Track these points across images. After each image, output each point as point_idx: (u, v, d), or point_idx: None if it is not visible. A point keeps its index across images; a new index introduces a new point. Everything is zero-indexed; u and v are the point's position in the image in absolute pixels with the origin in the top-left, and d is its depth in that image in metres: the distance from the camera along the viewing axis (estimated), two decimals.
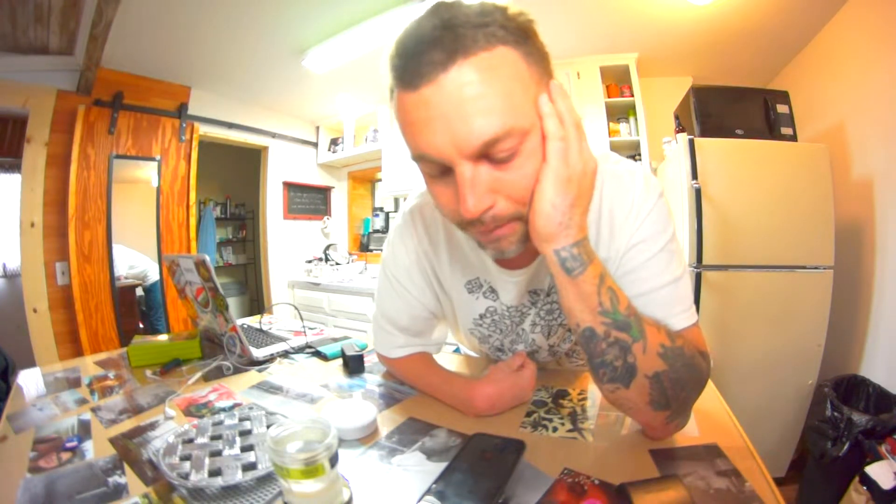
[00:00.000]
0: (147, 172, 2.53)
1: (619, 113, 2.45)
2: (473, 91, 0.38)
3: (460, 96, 0.38)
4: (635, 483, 0.42)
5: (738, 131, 1.78)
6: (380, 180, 3.31)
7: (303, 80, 2.56)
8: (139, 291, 2.67)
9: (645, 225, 0.52)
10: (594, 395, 0.67)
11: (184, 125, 2.60)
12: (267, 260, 3.25)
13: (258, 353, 0.95)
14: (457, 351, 1.00)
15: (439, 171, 0.44)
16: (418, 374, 0.73)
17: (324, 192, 3.66)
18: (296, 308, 1.47)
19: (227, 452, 0.53)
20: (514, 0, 0.42)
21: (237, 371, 0.88)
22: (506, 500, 0.43)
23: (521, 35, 0.41)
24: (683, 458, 0.49)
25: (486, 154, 0.41)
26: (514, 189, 0.44)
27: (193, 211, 2.69)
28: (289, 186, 3.35)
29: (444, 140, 0.40)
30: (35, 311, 2.11)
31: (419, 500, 0.41)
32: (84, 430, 0.63)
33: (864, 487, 1.22)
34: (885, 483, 1.17)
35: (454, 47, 0.38)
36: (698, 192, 1.63)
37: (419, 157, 0.44)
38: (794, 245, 1.66)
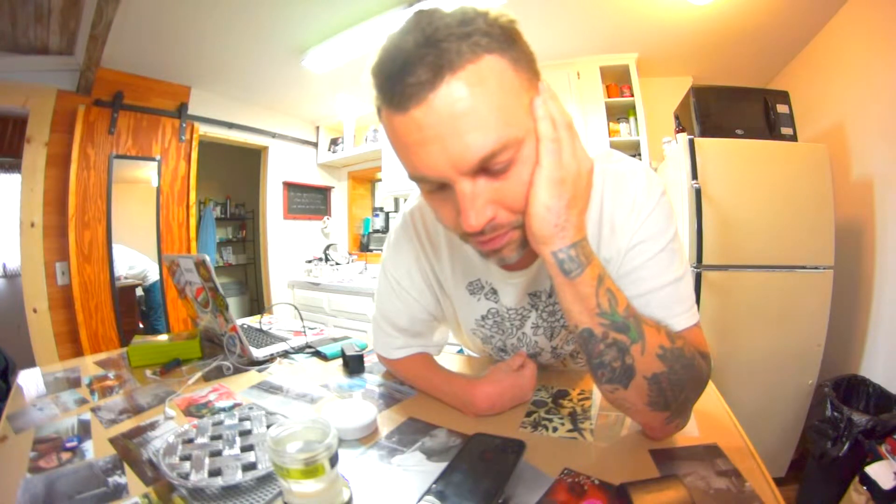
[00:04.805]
0: (147, 172, 2.53)
1: (619, 113, 2.45)
2: (464, 107, 0.37)
3: (452, 114, 0.37)
4: (635, 483, 0.42)
5: (738, 131, 1.78)
6: (380, 180, 3.31)
7: (303, 80, 2.56)
8: (139, 291, 2.67)
9: (646, 224, 0.52)
10: (594, 395, 0.67)
11: (184, 125, 2.60)
12: (267, 260, 3.25)
13: (258, 353, 0.95)
14: (460, 352, 1.00)
15: (437, 186, 0.44)
16: (418, 375, 0.73)
17: (324, 192, 3.66)
18: (296, 308, 1.47)
19: (227, 452, 0.53)
20: (513, 2, 0.41)
21: (237, 371, 0.88)
22: (506, 500, 0.43)
23: (506, 40, 0.39)
24: (683, 458, 0.49)
25: (483, 168, 0.41)
26: (514, 198, 0.43)
27: (193, 211, 2.69)
28: (289, 186, 3.35)
29: (440, 160, 0.40)
30: (35, 311, 2.11)
31: (419, 500, 0.41)
32: (84, 430, 0.63)
33: (864, 487, 1.22)
34: (885, 483, 1.17)
35: (440, 63, 0.36)
36: (698, 192, 1.63)
37: (417, 178, 0.44)
38: (794, 245, 1.66)
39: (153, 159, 2.51)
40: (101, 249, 2.30)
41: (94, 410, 0.70)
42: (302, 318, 1.21)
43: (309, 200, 3.53)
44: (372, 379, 0.82)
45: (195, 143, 2.66)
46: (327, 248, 3.42)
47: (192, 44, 2.14)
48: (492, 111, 0.38)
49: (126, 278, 2.53)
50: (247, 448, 0.55)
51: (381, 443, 0.56)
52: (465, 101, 0.37)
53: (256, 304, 4.36)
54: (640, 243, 0.52)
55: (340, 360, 0.91)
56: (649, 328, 0.46)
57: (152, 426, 0.63)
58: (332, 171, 3.71)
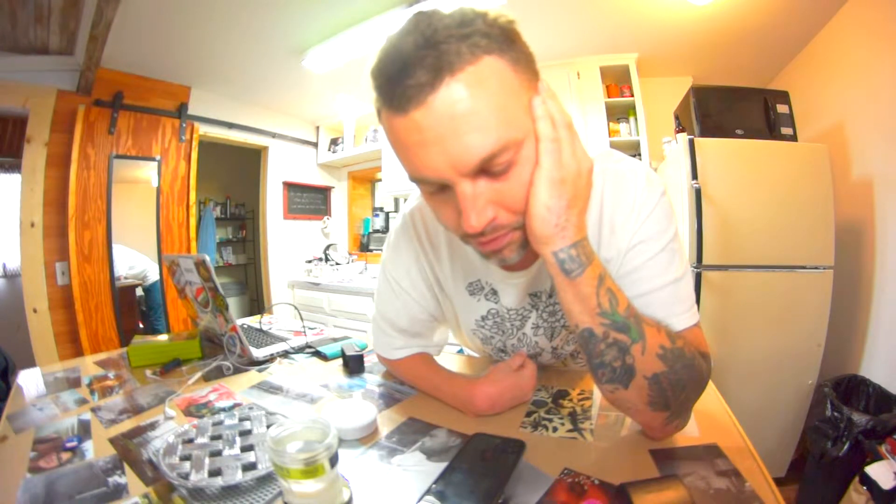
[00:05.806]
0: (147, 172, 2.53)
1: (619, 113, 2.45)
2: (464, 108, 0.37)
3: (452, 116, 0.37)
4: (635, 483, 0.42)
5: (738, 131, 1.78)
6: (380, 180, 3.31)
7: (303, 80, 2.56)
8: (139, 291, 2.67)
9: (646, 224, 0.52)
10: (594, 395, 0.67)
11: (184, 125, 2.60)
12: (267, 260, 3.25)
13: (258, 353, 0.95)
14: (460, 352, 1.00)
15: (438, 187, 0.44)
16: (418, 374, 0.73)
17: (324, 192, 3.66)
18: (296, 308, 1.47)
19: (227, 452, 0.53)
20: (513, 2, 0.41)
21: (237, 371, 0.88)
22: (506, 500, 0.43)
23: (505, 41, 0.39)
24: (683, 458, 0.49)
25: (483, 169, 0.41)
26: (514, 199, 0.43)
27: (193, 211, 2.69)
28: (289, 186, 3.35)
29: (440, 162, 0.40)
30: (35, 311, 2.11)
31: (419, 500, 0.41)
32: (84, 430, 0.63)
33: (864, 487, 1.22)
34: (885, 483, 1.17)
35: (439, 65, 0.37)
36: (698, 192, 1.63)
37: (417, 180, 0.44)
38: (794, 245, 1.66)
39: (153, 159, 2.51)
40: (101, 249, 2.30)
41: (94, 410, 0.70)
42: (302, 318, 1.21)
43: (309, 200, 3.53)
44: (372, 379, 0.82)
45: (195, 143, 2.66)
46: (327, 248, 3.42)
47: (192, 44, 2.14)
48: (492, 112, 0.38)
49: (126, 278, 2.53)
50: (247, 448, 0.55)
51: (381, 443, 0.56)
52: (464, 102, 0.37)
53: (256, 304, 4.36)
54: (641, 243, 0.52)
55: (340, 360, 0.91)
56: (650, 328, 0.46)
57: (152, 426, 0.63)
58: (332, 171, 3.71)
